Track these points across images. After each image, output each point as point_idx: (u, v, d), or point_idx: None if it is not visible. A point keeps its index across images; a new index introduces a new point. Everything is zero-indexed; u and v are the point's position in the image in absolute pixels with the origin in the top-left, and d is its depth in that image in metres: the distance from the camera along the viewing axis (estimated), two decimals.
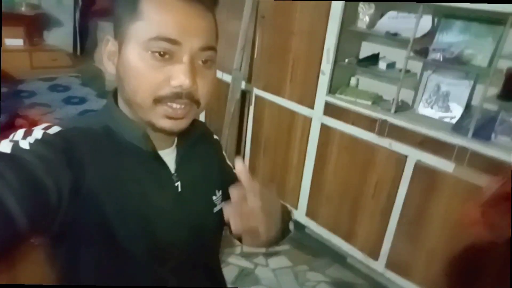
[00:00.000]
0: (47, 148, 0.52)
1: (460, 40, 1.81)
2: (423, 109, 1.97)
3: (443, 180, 1.76)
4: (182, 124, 0.61)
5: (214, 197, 0.75)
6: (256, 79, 2.54)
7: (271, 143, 2.57)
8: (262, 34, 2.44)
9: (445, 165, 1.75)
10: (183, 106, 0.59)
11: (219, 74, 2.64)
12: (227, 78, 2.59)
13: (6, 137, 0.53)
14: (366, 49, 2.23)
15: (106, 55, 0.63)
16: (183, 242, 0.69)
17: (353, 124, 2.06)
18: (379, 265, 2.08)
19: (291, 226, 0.81)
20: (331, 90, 2.15)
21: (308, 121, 2.28)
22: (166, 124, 0.60)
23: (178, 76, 0.56)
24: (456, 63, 1.79)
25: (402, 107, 2.01)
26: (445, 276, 1.80)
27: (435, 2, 1.82)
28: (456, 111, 1.88)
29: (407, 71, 1.95)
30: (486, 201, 1.28)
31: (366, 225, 2.11)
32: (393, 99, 1.95)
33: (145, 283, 0.65)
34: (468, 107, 1.86)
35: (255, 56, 2.51)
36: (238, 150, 2.80)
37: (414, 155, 1.84)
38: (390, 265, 2.04)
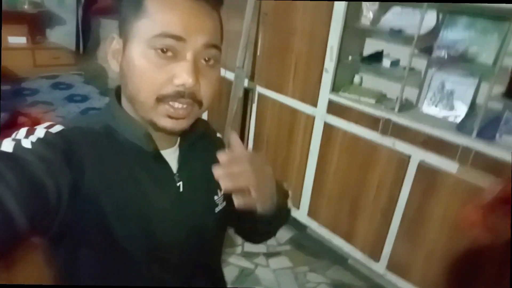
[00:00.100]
0: (48, 148, 0.52)
1: (465, 37, 1.77)
2: (427, 108, 1.94)
3: (447, 180, 1.73)
4: (183, 124, 0.61)
5: (215, 197, 0.75)
6: (258, 77, 2.53)
7: (273, 142, 2.55)
8: (265, 32, 2.42)
9: (448, 166, 1.72)
10: (185, 106, 0.59)
11: (222, 71, 2.61)
12: (229, 76, 2.57)
13: (9, 135, 0.54)
14: (370, 47, 2.20)
15: (110, 53, 0.63)
16: (183, 242, 0.68)
17: (356, 122, 2.04)
18: (380, 267, 2.05)
19: (290, 203, 0.81)
20: (334, 88, 2.13)
21: (311, 119, 2.25)
22: (167, 123, 0.59)
23: (181, 75, 0.56)
24: (461, 61, 1.76)
25: (406, 106, 1.98)
26: (445, 278, 1.78)
27: (437, 1, 1.79)
28: (461, 110, 1.84)
29: (411, 69, 1.92)
30: (486, 204, 1.26)
31: (367, 226, 2.09)
32: (397, 98, 1.92)
33: (145, 283, 0.65)
34: (472, 106, 1.83)
35: (258, 54, 2.49)
36: None
37: (418, 155, 1.82)
38: (391, 266, 2.01)
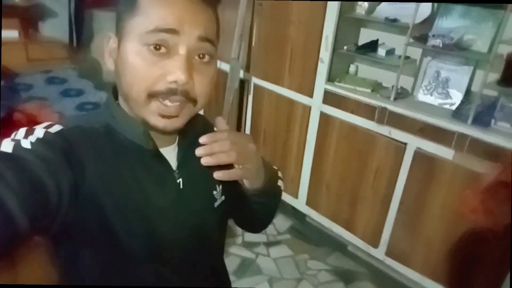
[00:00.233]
0: (48, 148, 0.52)
1: (460, 25, 1.78)
2: (423, 96, 1.96)
3: (443, 167, 1.76)
4: (176, 123, 0.60)
5: (214, 192, 0.75)
6: (254, 68, 2.52)
7: (270, 133, 2.56)
8: (260, 23, 2.41)
9: (444, 152, 1.74)
10: (177, 104, 0.58)
11: (217, 63, 2.60)
12: (225, 67, 2.56)
13: (6, 133, 0.53)
14: (365, 36, 2.20)
15: (107, 52, 0.62)
16: (185, 239, 0.69)
17: (352, 112, 2.05)
18: (379, 253, 2.09)
19: (280, 183, 0.85)
20: (330, 78, 2.13)
21: (307, 109, 2.26)
22: (159, 122, 0.59)
23: (174, 71, 0.55)
24: (456, 49, 1.77)
25: (402, 94, 1.99)
26: (444, 262, 1.82)
27: (431, 2, 1.80)
28: (456, 98, 1.86)
29: (407, 58, 1.93)
30: (485, 188, 1.28)
31: (366, 213, 2.12)
32: (392, 86, 1.94)
33: (147, 282, 0.65)
34: (468, 93, 1.85)
35: (253, 44, 2.49)
36: None
37: (414, 142, 1.84)
38: (390, 252, 2.05)
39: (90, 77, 3.17)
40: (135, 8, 0.57)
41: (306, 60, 2.19)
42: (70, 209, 0.52)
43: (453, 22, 1.80)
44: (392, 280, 2.12)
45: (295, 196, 2.45)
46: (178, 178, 0.68)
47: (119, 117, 0.63)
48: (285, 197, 2.52)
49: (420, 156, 1.83)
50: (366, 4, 2.03)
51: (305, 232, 2.46)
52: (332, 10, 1.99)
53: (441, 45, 1.77)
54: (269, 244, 2.34)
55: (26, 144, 0.51)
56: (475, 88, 1.85)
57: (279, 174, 0.86)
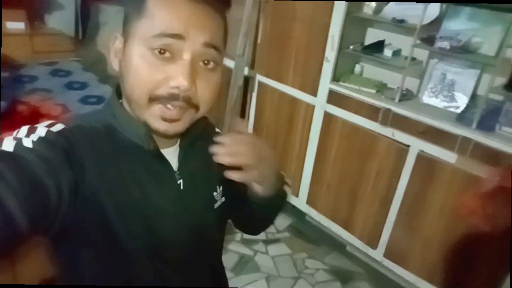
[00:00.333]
0: (49, 147, 0.52)
1: (468, 28, 1.76)
2: (428, 98, 1.94)
3: (445, 171, 1.75)
4: (177, 127, 0.60)
5: (215, 193, 0.75)
6: (259, 65, 2.52)
7: (273, 130, 2.55)
8: (266, 20, 2.40)
9: (447, 156, 1.73)
10: (179, 108, 0.58)
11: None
12: (229, 64, 2.56)
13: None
14: (372, 36, 2.19)
15: (113, 52, 0.62)
16: (185, 239, 0.69)
17: (356, 112, 2.04)
18: (377, 254, 2.09)
19: (287, 188, 0.83)
20: (335, 78, 2.12)
21: (310, 108, 2.26)
22: (160, 126, 0.59)
23: (177, 77, 0.55)
24: (463, 52, 1.75)
25: (407, 96, 1.98)
26: (442, 265, 1.81)
27: (436, 2, 1.78)
28: (461, 101, 1.85)
29: (413, 59, 1.92)
30: (485, 192, 1.27)
31: (366, 214, 2.11)
32: (397, 88, 1.92)
33: (147, 281, 0.65)
34: (473, 97, 1.83)
35: (259, 42, 2.48)
36: None
37: (417, 145, 1.83)
38: (388, 254, 2.04)
39: (94, 70, 3.16)
40: (142, 11, 0.56)
41: (311, 58, 2.18)
42: (70, 209, 0.52)
43: (461, 24, 1.78)
44: (388, 280, 2.11)
45: (296, 194, 2.45)
46: (179, 179, 0.68)
47: (121, 117, 0.63)
48: None
49: (422, 159, 1.82)
50: (373, 4, 2.02)
51: (304, 231, 2.46)
52: (339, 9, 1.97)
53: (448, 47, 1.75)
54: (268, 242, 2.33)
55: (27, 143, 0.51)
56: (481, 92, 1.83)
57: (287, 179, 0.85)
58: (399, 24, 1.92)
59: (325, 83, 2.13)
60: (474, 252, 1.71)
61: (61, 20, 3.74)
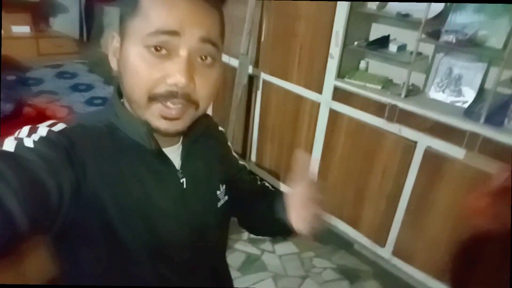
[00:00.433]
0: (51, 147, 0.52)
1: (474, 21, 1.73)
2: (435, 93, 1.92)
3: (453, 167, 1.72)
4: (178, 126, 0.59)
5: (218, 192, 0.75)
6: (263, 64, 2.50)
7: (278, 129, 2.54)
8: (269, 18, 2.39)
9: (455, 152, 1.70)
10: (179, 106, 0.57)
11: (226, 58, 2.60)
12: (234, 63, 2.55)
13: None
14: (376, 31, 2.16)
15: (111, 52, 0.62)
16: (187, 238, 0.68)
17: (362, 109, 2.02)
18: (385, 252, 2.06)
19: None
20: (340, 74, 2.10)
21: (316, 106, 2.24)
22: (161, 124, 0.58)
23: (174, 74, 0.55)
24: (469, 45, 1.72)
25: (413, 91, 1.96)
26: (451, 263, 1.78)
27: (438, 2, 1.76)
28: (469, 95, 1.82)
29: (419, 54, 1.89)
30: (493, 191, 1.25)
31: (373, 212, 2.09)
32: (403, 83, 1.90)
33: (149, 281, 0.65)
34: (481, 91, 1.80)
35: (262, 40, 2.46)
36: (246, 136, 2.79)
37: (424, 141, 1.80)
38: (396, 252, 2.02)
39: (99, 72, 3.19)
40: (137, 9, 0.56)
41: (315, 55, 2.17)
42: (71, 208, 0.52)
43: (467, 18, 1.75)
44: (397, 279, 2.09)
45: None
46: (182, 178, 0.67)
47: (123, 117, 0.63)
48: None
49: (430, 155, 1.79)
50: None
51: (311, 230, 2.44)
52: (343, 5, 1.95)
53: (454, 41, 1.72)
54: (275, 241, 2.32)
55: (29, 143, 0.51)
56: (488, 85, 1.80)
57: None
58: (403, 19, 1.89)
59: (330, 80, 2.11)
60: (483, 252, 1.68)
61: (65, 22, 3.78)
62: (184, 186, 0.68)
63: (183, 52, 0.55)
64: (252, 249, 2.24)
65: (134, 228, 0.60)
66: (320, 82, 2.17)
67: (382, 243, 2.07)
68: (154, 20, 0.55)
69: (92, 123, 0.61)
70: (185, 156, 0.68)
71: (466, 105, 1.78)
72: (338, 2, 1.96)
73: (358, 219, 2.17)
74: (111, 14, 3.52)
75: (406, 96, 1.87)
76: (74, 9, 3.70)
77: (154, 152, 0.63)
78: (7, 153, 0.48)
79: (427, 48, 1.96)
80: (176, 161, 0.68)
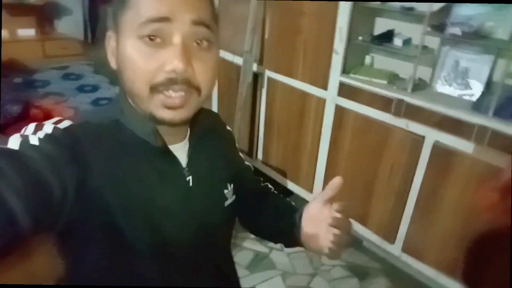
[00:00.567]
0: (55, 145, 0.52)
1: (480, 12, 1.70)
2: (442, 87, 1.90)
3: (462, 161, 1.70)
4: (182, 114, 0.59)
5: (225, 191, 0.74)
6: (267, 61, 2.49)
7: (284, 126, 2.53)
8: (272, 15, 2.37)
9: (464, 146, 1.68)
10: (182, 94, 0.57)
11: (230, 57, 2.59)
12: (238, 61, 2.55)
13: (21, 128, 0.54)
14: (381, 26, 2.14)
15: (109, 51, 0.62)
16: (192, 237, 0.68)
17: (368, 104, 2.00)
18: (395, 249, 2.05)
19: None
20: (345, 70, 2.08)
21: (321, 102, 2.22)
22: (165, 114, 0.58)
23: (171, 61, 0.54)
24: (475, 38, 1.69)
25: (419, 86, 1.93)
26: (461, 259, 1.76)
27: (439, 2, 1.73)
28: (476, 88, 1.79)
29: (424, 47, 1.87)
30: (503, 185, 1.23)
31: (382, 208, 2.07)
32: (409, 77, 1.88)
33: (152, 280, 0.65)
34: (489, 84, 1.78)
35: (266, 37, 2.45)
36: (252, 134, 2.78)
37: (432, 135, 1.78)
38: (406, 248, 2.00)
39: (105, 72, 3.20)
40: (127, 2, 0.56)
41: (320, 52, 2.15)
42: (75, 207, 0.52)
43: (473, 9, 1.72)
44: (406, 276, 2.07)
45: (310, 190, 2.43)
46: (188, 176, 0.67)
47: (128, 113, 0.63)
48: (300, 191, 2.50)
49: (438, 150, 1.77)
50: None
51: None
52: None
53: (460, 33, 1.70)
54: None
55: (34, 140, 0.51)
56: (496, 78, 1.78)
57: None
58: (408, 12, 1.87)
59: (335, 76, 2.10)
60: (493, 247, 1.66)
61: (70, 24, 3.80)
62: (190, 184, 0.67)
63: (177, 38, 0.55)
64: (260, 247, 2.24)
65: (138, 226, 0.60)
66: (325, 78, 2.16)
67: (391, 239, 2.06)
68: (145, 10, 0.55)
69: (98, 120, 0.61)
70: (192, 153, 0.68)
71: (474, 98, 1.76)
72: None
73: (367, 216, 2.15)
74: None
75: (412, 90, 1.85)
76: (78, 11, 3.73)
77: (160, 149, 0.63)
78: (11, 151, 0.48)
79: (433, 41, 1.94)
80: (183, 158, 0.67)
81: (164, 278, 0.66)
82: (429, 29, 1.78)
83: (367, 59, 2.21)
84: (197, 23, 0.56)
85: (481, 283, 1.74)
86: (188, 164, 0.67)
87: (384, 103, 1.93)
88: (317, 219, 0.66)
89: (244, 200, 0.79)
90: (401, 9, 1.89)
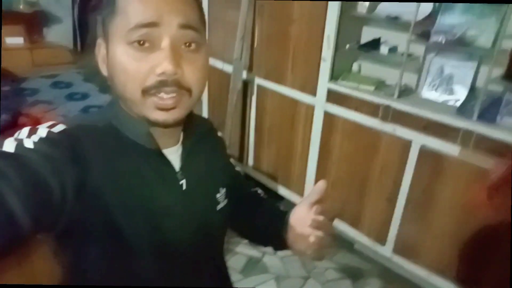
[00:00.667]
0: (52, 147, 0.52)
1: (463, 21, 1.77)
2: (427, 93, 1.95)
3: (449, 164, 1.75)
4: (175, 115, 0.60)
5: (218, 195, 0.75)
6: (257, 68, 2.53)
7: (274, 133, 2.56)
8: (262, 23, 2.41)
9: (450, 149, 1.74)
10: (174, 95, 0.58)
11: (220, 64, 2.62)
12: (228, 68, 2.57)
13: (11, 135, 0.53)
14: (368, 34, 2.20)
15: (100, 59, 0.63)
16: (187, 240, 0.69)
17: (356, 110, 2.05)
18: (386, 250, 2.09)
19: None
20: (333, 77, 2.13)
21: (311, 109, 2.26)
22: (158, 116, 0.59)
23: (161, 63, 0.56)
24: (459, 45, 1.76)
25: (406, 92, 1.99)
26: (452, 259, 1.80)
27: (430, 2, 1.79)
28: (461, 94, 1.85)
29: (410, 55, 1.93)
30: (492, 183, 1.27)
31: (372, 211, 2.11)
32: (396, 84, 1.93)
33: (150, 280, 0.66)
34: (472, 89, 1.84)
35: (255, 45, 2.49)
36: (242, 141, 2.80)
37: (419, 139, 1.83)
38: (397, 250, 2.04)
39: (95, 80, 3.18)
40: (115, 9, 0.57)
41: (308, 59, 2.19)
42: (74, 207, 0.53)
43: (456, 18, 1.79)
44: (399, 277, 2.11)
45: (301, 194, 2.45)
46: (181, 179, 0.68)
47: (123, 117, 0.64)
48: (291, 196, 2.52)
49: (425, 154, 1.82)
50: (367, 2, 2.03)
51: None
52: (334, 8, 1.98)
53: (443, 41, 1.76)
54: None
55: (28, 143, 0.51)
56: (479, 84, 1.84)
57: None
58: (393, 21, 1.93)
59: (324, 83, 2.14)
60: (485, 245, 1.70)
61: (59, 33, 3.77)
62: (184, 187, 0.68)
63: (165, 42, 0.56)
64: (253, 252, 2.25)
65: (136, 226, 0.61)
66: (314, 85, 2.20)
67: (382, 241, 2.09)
68: (132, 15, 0.56)
69: (92, 124, 0.62)
70: (185, 157, 0.69)
71: (458, 103, 1.82)
72: (329, 5, 1.99)
73: (358, 219, 2.19)
74: None
75: (399, 96, 1.91)
76: (67, 19, 3.69)
77: (153, 153, 0.64)
78: (7, 153, 0.48)
79: (418, 49, 2.00)
80: (176, 162, 0.68)
81: (163, 278, 0.66)
82: (414, 37, 1.84)
83: (355, 66, 2.26)
84: (184, 26, 0.58)
85: (474, 282, 1.78)
86: (182, 168, 0.68)
87: (372, 109, 1.97)
88: (303, 221, 0.68)
89: (235, 205, 0.81)
90: (387, 18, 1.94)
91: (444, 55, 1.90)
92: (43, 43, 3.80)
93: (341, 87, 2.09)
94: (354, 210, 2.19)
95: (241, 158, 2.84)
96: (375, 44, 2.09)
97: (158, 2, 0.56)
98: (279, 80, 2.40)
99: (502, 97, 1.68)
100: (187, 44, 0.59)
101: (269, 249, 2.26)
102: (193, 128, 0.69)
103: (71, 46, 3.78)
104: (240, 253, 2.24)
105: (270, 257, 2.23)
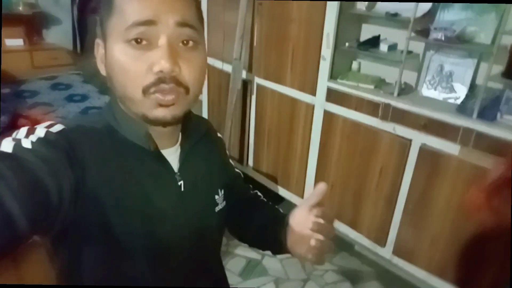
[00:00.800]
0: (49, 148, 0.52)
1: (462, 18, 1.75)
2: (427, 91, 1.93)
3: (449, 163, 1.73)
4: (174, 111, 0.59)
5: (216, 196, 0.75)
6: (256, 68, 2.52)
7: (274, 132, 2.55)
8: (261, 22, 2.40)
9: (450, 148, 1.71)
10: (171, 92, 0.58)
11: (219, 64, 2.61)
12: (227, 68, 2.56)
13: (9, 135, 0.53)
14: (367, 32, 2.18)
15: (99, 59, 0.63)
16: (185, 241, 0.68)
17: (356, 109, 2.03)
18: (386, 252, 2.06)
19: None
20: (333, 76, 2.11)
21: (310, 108, 2.25)
22: (158, 113, 0.59)
23: (158, 61, 0.56)
24: (458, 42, 1.74)
25: (405, 90, 1.97)
26: (452, 260, 1.78)
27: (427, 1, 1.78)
28: (461, 92, 1.83)
29: (409, 52, 1.91)
30: (491, 185, 1.25)
31: (372, 212, 2.09)
32: (395, 82, 1.91)
33: (147, 283, 0.65)
34: (472, 87, 1.82)
35: (255, 44, 2.48)
36: (242, 141, 2.79)
37: (419, 138, 1.81)
38: (397, 251, 2.02)
39: (94, 82, 3.19)
40: (112, 9, 0.57)
41: (308, 58, 2.18)
42: (71, 209, 0.52)
43: (455, 15, 1.77)
44: (398, 278, 2.09)
45: (301, 195, 2.44)
46: (180, 181, 0.68)
47: (121, 118, 0.63)
48: (291, 197, 2.51)
49: (425, 152, 1.80)
50: None
51: None
52: (333, 6, 1.97)
53: (443, 38, 1.74)
54: None
55: (26, 143, 0.50)
56: (479, 81, 1.82)
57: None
58: (393, 18, 1.91)
59: (323, 82, 2.13)
60: (483, 247, 1.68)
61: (59, 34, 3.79)
62: (182, 189, 0.68)
63: (162, 40, 0.56)
64: (253, 254, 2.24)
65: (132, 228, 0.61)
66: (313, 84, 2.18)
67: (382, 243, 2.07)
68: (129, 14, 0.56)
69: (90, 125, 0.62)
70: (184, 158, 0.69)
71: (458, 101, 1.80)
72: (328, 4, 1.98)
73: (357, 220, 2.17)
74: None
75: (398, 94, 1.89)
76: (67, 21, 3.72)
77: (151, 153, 0.64)
78: (5, 153, 0.48)
79: (418, 47, 1.98)
80: (175, 163, 0.68)
81: (158, 280, 0.66)
82: (413, 34, 1.82)
83: (354, 65, 2.24)
84: (181, 24, 0.57)
85: (474, 283, 1.76)
86: (180, 169, 0.68)
87: (372, 108, 1.96)
88: (302, 225, 0.66)
89: (234, 207, 0.80)
90: (386, 16, 1.92)
91: (444, 52, 1.88)
92: (43, 44, 3.83)
93: (341, 86, 2.07)
94: (354, 212, 2.17)
95: (241, 158, 2.83)
96: (374, 42, 2.07)
97: (157, 3, 0.56)
98: (279, 80, 2.38)
99: (502, 95, 1.66)
100: (185, 42, 0.59)
101: (268, 251, 2.26)
102: (191, 128, 0.68)
103: (70, 48, 3.80)
104: (239, 255, 2.22)
105: (270, 260, 2.22)
